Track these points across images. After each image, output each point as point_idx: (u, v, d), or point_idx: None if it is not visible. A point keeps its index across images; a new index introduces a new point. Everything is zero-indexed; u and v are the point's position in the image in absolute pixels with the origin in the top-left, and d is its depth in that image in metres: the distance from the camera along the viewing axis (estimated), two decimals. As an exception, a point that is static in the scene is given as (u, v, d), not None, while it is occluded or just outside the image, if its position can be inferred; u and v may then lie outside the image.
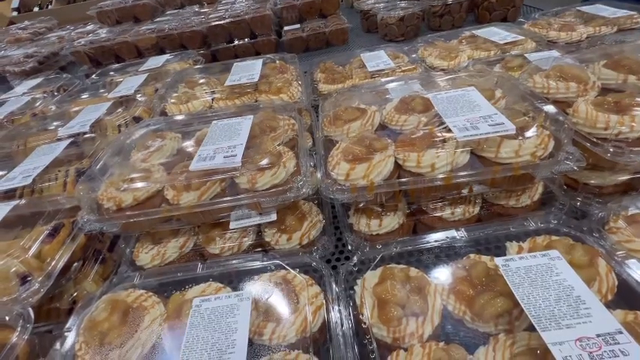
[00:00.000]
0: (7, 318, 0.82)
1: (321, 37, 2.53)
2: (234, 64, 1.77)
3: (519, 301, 0.66)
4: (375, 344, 0.72)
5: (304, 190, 0.94)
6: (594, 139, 0.93)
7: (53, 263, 0.92)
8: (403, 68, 1.65)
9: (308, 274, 0.87)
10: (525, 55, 1.45)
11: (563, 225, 0.88)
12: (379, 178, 0.90)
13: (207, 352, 0.68)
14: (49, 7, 4.45)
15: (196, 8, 3.07)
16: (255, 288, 0.83)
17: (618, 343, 0.58)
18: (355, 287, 0.83)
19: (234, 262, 0.94)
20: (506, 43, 1.67)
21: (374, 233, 1.02)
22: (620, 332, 0.59)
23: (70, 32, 3.37)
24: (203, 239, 1.08)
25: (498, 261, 0.74)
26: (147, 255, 1.05)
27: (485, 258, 0.82)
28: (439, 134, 0.94)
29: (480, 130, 0.89)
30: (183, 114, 1.45)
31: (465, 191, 1.00)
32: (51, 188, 1.19)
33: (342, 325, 0.76)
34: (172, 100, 1.57)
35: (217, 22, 2.47)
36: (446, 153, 0.89)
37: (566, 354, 0.57)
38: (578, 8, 1.90)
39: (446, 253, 0.88)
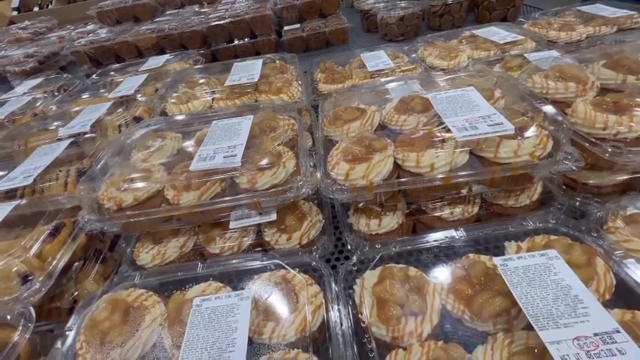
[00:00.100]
0: (8, 317, 0.83)
1: (321, 37, 2.53)
2: (234, 64, 1.77)
3: (517, 301, 0.66)
4: (374, 343, 0.73)
5: (304, 190, 0.94)
6: (593, 139, 0.93)
7: (54, 263, 0.92)
8: (403, 68, 1.65)
9: (307, 273, 0.88)
10: (525, 55, 1.45)
11: (562, 225, 0.88)
12: (378, 178, 0.91)
13: (208, 351, 0.68)
14: (49, 6, 4.46)
15: (196, 8, 3.07)
16: (254, 287, 0.84)
17: (615, 342, 0.58)
18: (354, 286, 0.83)
19: (234, 261, 0.94)
20: (506, 43, 1.67)
21: (373, 233, 1.03)
22: (618, 331, 0.59)
23: (71, 32, 3.38)
24: (203, 239, 1.09)
25: (497, 260, 0.74)
26: (147, 255, 1.06)
27: (484, 257, 0.83)
28: (438, 134, 0.94)
29: (479, 130, 0.90)
30: (183, 114, 1.46)
31: (464, 191, 1.01)
32: (52, 188, 1.19)
33: (341, 325, 0.76)
34: (172, 100, 1.58)
35: (217, 22, 2.47)
36: (445, 153, 0.89)
37: (564, 353, 0.57)
38: (578, 8, 1.90)
39: (445, 253, 0.88)
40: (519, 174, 0.91)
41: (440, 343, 0.70)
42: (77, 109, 1.67)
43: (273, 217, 1.03)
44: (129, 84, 1.88)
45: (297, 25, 2.63)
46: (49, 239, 0.96)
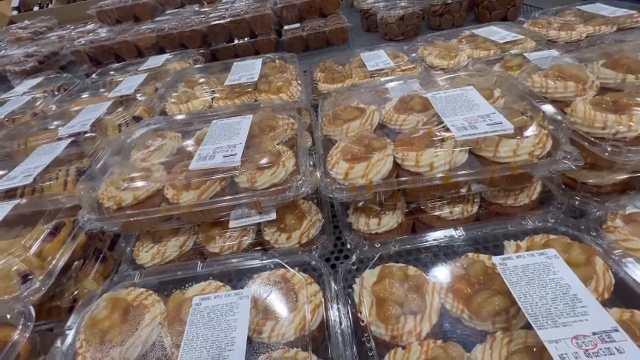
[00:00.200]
0: (8, 316, 0.83)
1: (321, 37, 2.53)
2: (234, 63, 1.77)
3: (516, 300, 0.66)
4: (373, 342, 0.73)
5: (303, 189, 0.94)
6: (592, 139, 0.93)
7: (54, 262, 0.93)
8: (403, 67, 1.65)
9: (307, 272, 0.88)
10: (525, 54, 1.45)
11: (561, 224, 0.89)
12: (378, 177, 0.91)
13: (207, 350, 0.69)
14: (49, 6, 4.46)
15: (196, 7, 3.07)
16: (254, 286, 0.84)
17: (614, 341, 0.58)
18: (354, 285, 0.83)
19: (233, 260, 0.94)
20: (505, 43, 1.67)
21: (373, 232, 1.03)
22: (616, 330, 0.59)
23: (70, 31, 3.38)
24: (203, 238, 1.09)
25: (496, 260, 0.74)
26: (147, 254, 1.06)
27: (483, 257, 0.83)
28: (438, 133, 0.94)
29: (478, 130, 0.90)
30: (183, 113, 1.46)
31: (463, 190, 1.01)
32: (52, 187, 1.19)
33: (340, 323, 0.76)
34: (172, 100, 1.58)
35: (217, 22, 2.47)
36: (444, 152, 0.89)
37: (562, 352, 0.58)
38: (578, 7, 1.90)
39: (444, 252, 0.88)
40: (519, 173, 0.91)
41: (439, 342, 0.70)
42: (77, 108, 1.67)
43: (273, 216, 1.03)
44: (129, 83, 1.88)
45: (297, 25, 2.63)
46: (49, 238, 0.96)
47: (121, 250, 1.13)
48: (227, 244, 1.06)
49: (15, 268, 0.88)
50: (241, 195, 0.96)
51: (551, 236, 0.84)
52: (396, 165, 0.95)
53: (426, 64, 1.71)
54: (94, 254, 1.11)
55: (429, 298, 0.76)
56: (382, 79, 1.44)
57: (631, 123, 0.89)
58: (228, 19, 2.47)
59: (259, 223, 1.08)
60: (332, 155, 0.98)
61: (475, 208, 1.04)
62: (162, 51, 2.57)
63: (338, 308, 0.79)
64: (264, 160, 0.97)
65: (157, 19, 2.91)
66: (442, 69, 1.63)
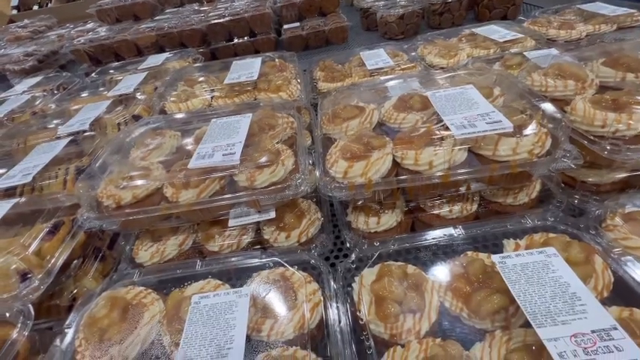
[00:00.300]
0: (7, 315, 0.83)
1: (321, 36, 2.52)
2: (234, 62, 1.77)
3: (515, 298, 0.66)
4: (372, 341, 0.73)
5: (303, 187, 0.94)
6: (592, 137, 0.93)
7: (53, 260, 0.93)
8: (402, 66, 1.65)
9: (306, 271, 0.88)
10: (525, 53, 1.45)
11: (560, 222, 0.88)
12: (377, 175, 0.91)
13: (206, 348, 0.69)
14: (49, 5, 4.45)
15: (196, 6, 3.07)
16: (253, 285, 0.84)
17: (613, 339, 0.58)
18: (353, 284, 0.83)
19: (233, 259, 0.94)
20: (505, 41, 1.67)
21: (372, 231, 1.03)
22: (615, 328, 0.59)
23: (70, 31, 3.37)
24: (202, 237, 1.09)
25: (495, 258, 0.74)
26: (146, 252, 1.06)
27: (482, 255, 0.83)
28: (437, 132, 0.94)
29: (477, 128, 0.90)
30: (182, 112, 1.46)
31: (462, 189, 1.01)
32: (51, 186, 1.19)
33: (339, 322, 0.76)
34: (172, 99, 1.58)
35: (217, 21, 2.47)
36: (444, 151, 0.89)
37: (561, 350, 0.58)
38: (578, 6, 1.90)
39: (443, 251, 0.88)
40: (518, 172, 0.91)
41: (438, 340, 0.70)
42: (76, 107, 1.67)
43: (272, 215, 1.03)
44: (128, 82, 1.87)
45: (297, 24, 2.62)
46: (48, 237, 0.96)
47: (121, 248, 1.13)
48: (226, 243, 1.06)
49: (14, 266, 0.88)
50: (240, 194, 0.96)
51: (551, 235, 0.84)
52: (396, 164, 0.95)
53: (426, 63, 1.71)
54: (93, 253, 1.11)
55: (428, 297, 0.76)
56: (382, 77, 1.44)
57: (630, 121, 0.89)
58: (227, 18, 2.46)
59: (258, 222, 1.08)
60: (331, 154, 0.98)
61: (474, 207, 1.04)
62: (161, 50, 2.57)
63: (337, 307, 0.79)
64: (263, 159, 0.97)
65: (157, 18, 2.90)
66: (442, 68, 1.63)
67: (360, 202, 1.04)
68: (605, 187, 1.03)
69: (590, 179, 1.03)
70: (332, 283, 0.84)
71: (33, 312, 0.83)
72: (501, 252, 0.83)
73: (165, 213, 0.99)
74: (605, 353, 0.57)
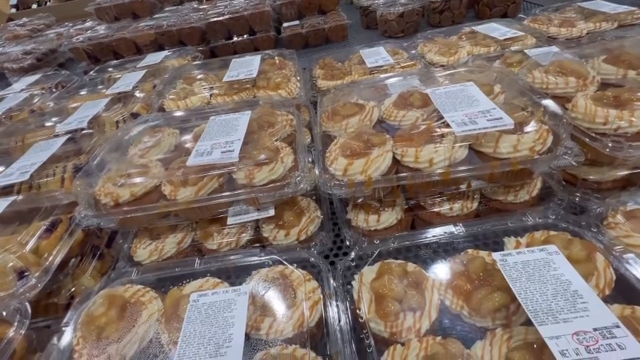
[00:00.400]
0: (4, 313, 0.82)
1: (321, 34, 2.52)
2: (233, 60, 1.76)
3: (516, 296, 0.66)
4: (372, 339, 0.72)
5: (302, 185, 0.94)
6: (593, 134, 0.93)
7: (50, 259, 0.92)
8: (402, 64, 1.64)
9: (306, 269, 0.87)
10: (525, 51, 1.44)
11: (562, 220, 0.88)
12: (377, 173, 0.90)
13: (205, 347, 0.68)
14: (48, 4, 4.43)
15: (195, 4, 3.06)
16: (252, 283, 0.83)
17: (615, 337, 0.57)
18: (353, 282, 0.82)
19: (231, 257, 0.93)
20: (506, 39, 1.67)
21: (372, 229, 1.02)
22: (617, 326, 0.59)
23: (69, 29, 3.36)
24: (201, 235, 1.08)
25: (496, 256, 0.74)
26: (145, 251, 1.05)
27: (483, 253, 0.82)
28: (437, 129, 0.93)
29: (478, 125, 0.89)
30: (181, 110, 1.45)
31: (463, 187, 1.00)
32: (48, 184, 1.18)
33: (339, 320, 0.75)
34: (170, 96, 1.57)
35: (216, 19, 2.46)
36: (444, 148, 0.89)
37: (563, 348, 0.57)
38: (578, 4, 1.89)
39: (444, 249, 0.88)
40: (519, 169, 0.91)
41: (438, 338, 0.69)
42: (75, 105, 1.66)
43: (271, 212, 1.03)
44: (127, 80, 1.86)
45: (297, 22, 2.61)
46: (45, 235, 0.95)
47: (119, 247, 1.12)
48: (225, 241, 1.05)
49: (11, 264, 0.87)
50: (239, 191, 0.95)
51: (552, 232, 0.83)
52: (396, 161, 0.94)
53: (426, 61, 1.70)
54: (91, 251, 1.10)
55: (428, 295, 0.75)
56: (381, 75, 1.44)
57: (632, 118, 0.89)
58: (227, 16, 2.45)
59: (257, 220, 1.07)
60: (331, 151, 0.97)
61: (475, 205, 1.04)
62: (160, 48, 2.56)
63: (337, 305, 0.78)
64: (262, 157, 0.97)
65: (156, 16, 2.89)
66: (442, 66, 1.62)
67: (359, 200, 1.03)
68: (607, 184, 1.02)
69: (591, 177, 1.03)
70: (331, 281, 0.83)
71: (30, 310, 0.83)
72: (502, 250, 0.83)
73: (164, 211, 0.98)
74: (607, 351, 0.56)
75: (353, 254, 0.89)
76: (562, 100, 1.04)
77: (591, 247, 0.77)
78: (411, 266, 0.81)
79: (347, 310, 0.78)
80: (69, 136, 1.38)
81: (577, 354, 0.56)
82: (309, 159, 1.06)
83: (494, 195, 1.05)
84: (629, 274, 0.74)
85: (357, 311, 0.76)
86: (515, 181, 1.00)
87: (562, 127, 0.90)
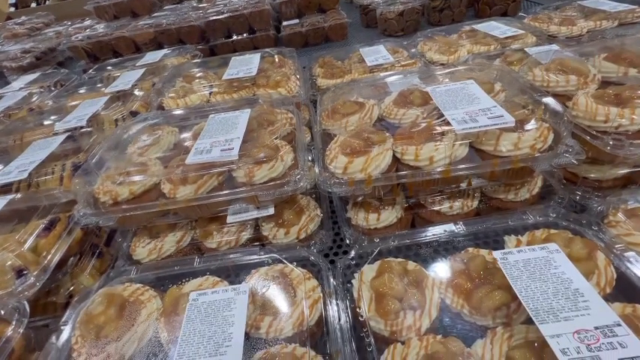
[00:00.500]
0: (2, 312, 0.82)
1: (320, 33, 2.51)
2: (232, 58, 1.76)
3: (517, 294, 0.65)
4: (372, 337, 0.72)
5: (302, 183, 0.93)
6: (594, 132, 0.92)
7: (49, 257, 0.91)
8: (402, 63, 1.64)
9: (306, 267, 0.87)
10: (525, 49, 1.44)
11: (562, 218, 0.87)
12: (377, 171, 0.90)
13: (204, 346, 0.68)
14: (47, 2, 4.42)
15: (194, 3, 3.05)
16: (252, 282, 0.83)
17: (616, 336, 0.57)
18: (353, 281, 0.82)
19: (231, 256, 0.93)
20: (506, 38, 1.66)
21: (372, 227, 1.02)
22: (619, 325, 0.58)
23: (68, 27, 3.35)
24: (200, 233, 1.08)
25: (496, 254, 0.73)
26: (144, 249, 1.05)
27: (483, 251, 0.82)
28: (438, 127, 0.93)
29: (478, 123, 0.89)
30: (180, 108, 1.44)
31: (463, 185, 1.00)
32: (47, 182, 1.18)
33: (339, 319, 0.75)
34: (170, 95, 1.56)
35: (216, 17, 2.45)
36: (444, 146, 0.88)
37: (564, 346, 0.57)
38: (579, 2, 1.89)
39: (444, 247, 0.88)
40: (519, 167, 0.90)
41: (439, 337, 0.69)
42: (74, 103, 1.65)
43: (271, 211, 1.02)
44: (126, 79, 1.86)
45: (296, 21, 2.61)
46: (43, 233, 0.95)
47: (118, 245, 1.12)
48: (225, 240, 1.04)
49: (9, 263, 0.87)
50: (239, 189, 0.95)
51: (552, 231, 0.83)
52: (396, 159, 0.94)
53: (426, 60, 1.70)
54: (90, 249, 1.10)
55: (428, 293, 0.75)
56: (381, 74, 1.43)
57: (633, 116, 0.88)
58: (226, 15, 2.44)
59: (257, 219, 1.06)
60: (331, 149, 0.97)
61: (475, 203, 1.03)
62: (160, 47, 2.56)
63: (337, 303, 0.78)
64: (262, 155, 0.96)
65: (155, 14, 2.89)
66: (442, 64, 1.62)
67: (359, 199, 1.03)
68: (607, 183, 1.02)
69: (592, 175, 1.02)
70: (331, 279, 0.83)
71: (28, 309, 0.83)
72: (503, 248, 0.83)
73: (163, 209, 0.98)
74: (608, 350, 0.56)
75: (353, 253, 0.89)
76: (563, 98, 1.04)
77: (592, 245, 0.77)
78: (411, 265, 0.81)
79: (347, 308, 0.78)
80: (68, 134, 1.38)
81: (578, 352, 0.56)
82: (309, 157, 1.05)
83: (494, 193, 1.05)
84: (630, 273, 0.73)
85: (357, 310, 0.76)
86: (515, 179, 1.00)
87: (563, 125, 0.90)
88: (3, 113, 1.84)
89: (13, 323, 0.80)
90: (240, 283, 0.84)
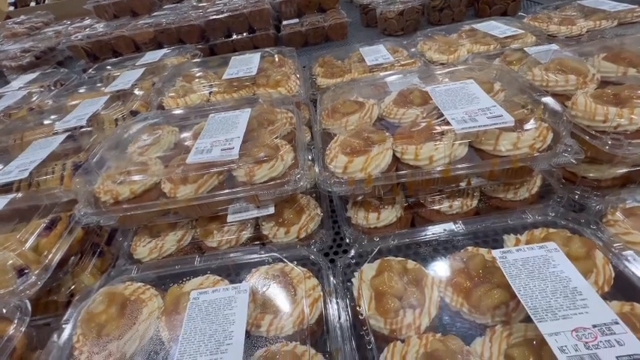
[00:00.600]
0: (4, 310, 0.82)
1: (320, 32, 2.51)
2: (232, 57, 1.76)
3: (516, 293, 0.66)
4: (372, 336, 0.72)
5: (302, 183, 0.94)
6: (593, 132, 0.93)
7: (50, 256, 0.92)
8: (402, 62, 1.64)
9: (306, 266, 0.87)
10: (525, 49, 1.44)
11: (561, 218, 0.88)
12: (377, 170, 0.90)
13: (205, 344, 0.68)
14: (46, 1, 4.42)
15: (194, 2, 3.04)
16: (252, 280, 0.83)
17: (614, 334, 0.58)
18: (353, 279, 0.83)
19: (231, 255, 0.93)
20: (505, 37, 1.67)
21: (372, 226, 1.02)
22: (616, 323, 0.59)
23: (67, 27, 3.35)
24: (201, 232, 1.08)
25: (496, 253, 0.74)
26: (145, 248, 1.05)
27: (482, 250, 0.82)
28: (437, 127, 0.93)
29: (478, 123, 0.89)
30: (180, 108, 1.45)
31: (463, 184, 1.00)
32: (48, 182, 1.18)
33: (339, 317, 0.76)
34: (170, 94, 1.57)
35: (215, 17, 2.45)
36: (444, 145, 0.89)
37: (562, 344, 0.57)
38: (578, 2, 1.89)
39: (444, 246, 0.88)
40: (519, 167, 0.91)
41: (438, 335, 0.69)
42: (74, 103, 1.65)
43: (271, 210, 1.03)
44: (126, 78, 1.86)
45: (296, 20, 2.60)
46: (44, 233, 0.95)
47: (119, 244, 1.12)
48: (225, 239, 1.05)
49: (10, 262, 0.87)
50: (239, 189, 0.95)
51: (551, 230, 0.83)
52: (396, 158, 0.94)
53: (426, 59, 1.70)
54: (91, 249, 1.10)
55: (428, 292, 0.75)
56: (381, 73, 1.44)
57: (632, 116, 0.89)
58: (226, 14, 2.44)
59: (257, 218, 1.07)
60: (331, 149, 0.97)
61: (475, 202, 1.04)
62: (160, 46, 2.56)
63: (337, 302, 0.79)
64: (262, 154, 0.96)
65: (155, 13, 2.88)
66: (442, 64, 1.62)
67: (359, 198, 1.04)
68: (606, 182, 1.02)
69: (590, 174, 1.03)
70: (331, 278, 0.83)
71: (30, 308, 0.83)
72: (502, 247, 0.83)
73: (164, 208, 0.98)
74: (606, 347, 0.56)
75: (353, 252, 0.89)
76: (562, 97, 1.04)
77: (590, 244, 0.77)
78: (410, 263, 0.82)
79: (347, 307, 0.78)
80: (68, 133, 1.38)
81: (576, 350, 0.56)
82: (309, 157, 1.06)
83: (493, 193, 1.05)
84: (628, 271, 0.74)
85: (357, 308, 0.76)
86: (515, 178, 1.00)
87: (562, 125, 0.90)
88: (3, 113, 1.84)
89: (15, 322, 0.80)
90: (240, 281, 0.84)
